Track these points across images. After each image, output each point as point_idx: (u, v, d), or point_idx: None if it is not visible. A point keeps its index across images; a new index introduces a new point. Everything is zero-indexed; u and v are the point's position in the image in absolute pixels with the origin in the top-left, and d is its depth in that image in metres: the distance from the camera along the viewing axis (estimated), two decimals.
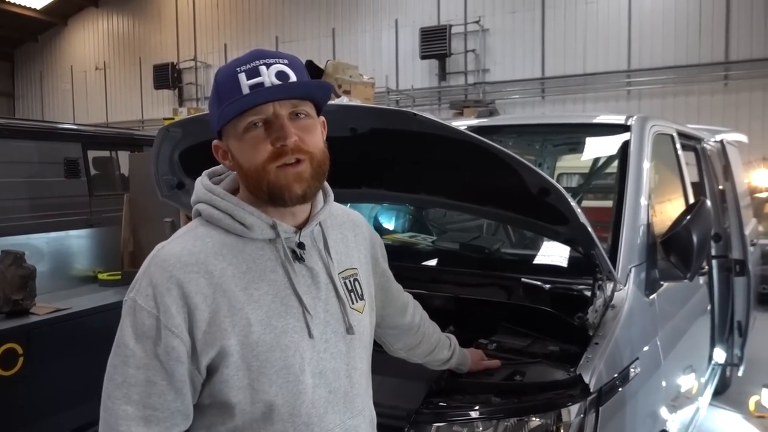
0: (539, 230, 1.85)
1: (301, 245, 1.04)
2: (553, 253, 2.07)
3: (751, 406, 3.84)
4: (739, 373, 3.77)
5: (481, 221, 3.45)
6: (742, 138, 4.97)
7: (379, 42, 12.58)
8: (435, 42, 11.56)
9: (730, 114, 9.98)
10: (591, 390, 1.49)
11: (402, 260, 2.36)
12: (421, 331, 1.43)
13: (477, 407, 1.47)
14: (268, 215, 1.02)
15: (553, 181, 1.39)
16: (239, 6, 14.18)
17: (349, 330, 1.07)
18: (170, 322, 0.92)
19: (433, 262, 2.26)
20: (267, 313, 0.97)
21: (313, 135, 1.01)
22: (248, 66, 0.97)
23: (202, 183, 1.07)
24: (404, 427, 1.44)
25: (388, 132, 1.63)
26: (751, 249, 3.76)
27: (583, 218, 1.46)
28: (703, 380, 2.88)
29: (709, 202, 2.10)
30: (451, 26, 11.58)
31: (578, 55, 11.02)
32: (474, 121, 2.86)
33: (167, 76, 14.41)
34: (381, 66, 12.00)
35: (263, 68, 0.97)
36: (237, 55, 1.02)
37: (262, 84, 0.96)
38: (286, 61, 0.99)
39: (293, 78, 0.98)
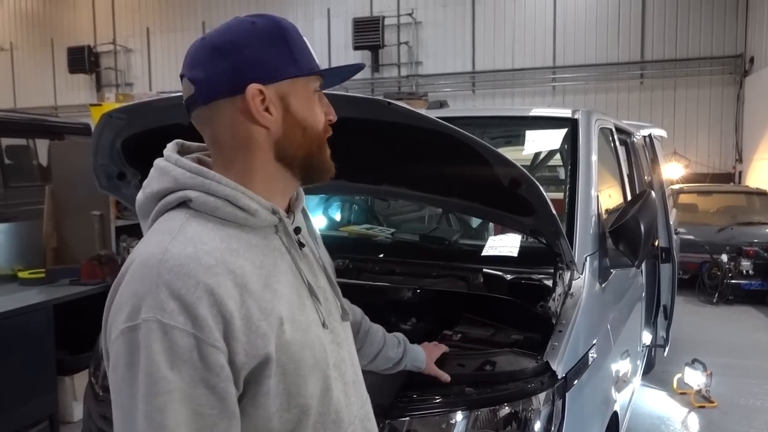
0: (504, 221, 1.87)
1: (297, 230, 0.95)
2: (510, 243, 2.11)
3: (674, 383, 4.12)
4: (665, 354, 4.02)
5: (422, 212, 3.48)
6: (663, 133, 5.29)
7: (311, 31, 12.37)
8: (368, 33, 11.53)
9: (645, 110, 10.65)
10: (558, 377, 1.53)
11: (362, 253, 2.34)
12: (363, 329, 1.35)
13: (451, 398, 1.47)
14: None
15: (527, 173, 1.40)
16: None
17: (344, 316, 1.01)
18: (210, 336, 0.77)
19: (393, 255, 2.24)
20: (290, 309, 0.87)
21: None
22: (305, 39, 0.94)
23: (180, 165, 0.88)
24: (381, 423, 1.41)
25: (354, 121, 1.58)
26: (675, 237, 4.01)
27: (553, 209, 1.48)
28: (638, 362, 3.05)
29: (654, 194, 2.21)
30: (384, 18, 11.58)
31: (507, 51, 11.36)
32: (434, 113, 2.86)
33: (83, 60, 13.52)
34: None
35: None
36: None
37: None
38: None
39: None
